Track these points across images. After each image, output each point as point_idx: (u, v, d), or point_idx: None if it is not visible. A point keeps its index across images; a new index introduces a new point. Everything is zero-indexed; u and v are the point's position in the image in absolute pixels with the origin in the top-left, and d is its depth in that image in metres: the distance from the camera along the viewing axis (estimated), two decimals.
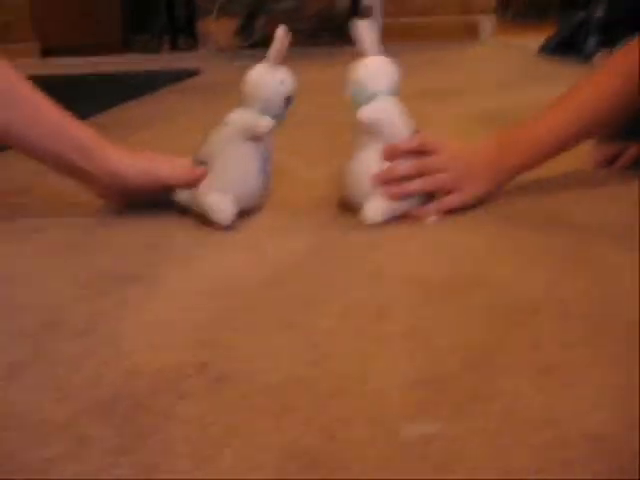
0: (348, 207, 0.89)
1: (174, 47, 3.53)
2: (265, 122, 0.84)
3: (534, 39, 2.84)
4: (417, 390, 0.50)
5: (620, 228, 0.80)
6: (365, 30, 0.86)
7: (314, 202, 0.94)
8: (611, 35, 2.42)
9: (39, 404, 0.51)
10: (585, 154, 1.03)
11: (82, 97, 2.06)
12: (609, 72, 0.93)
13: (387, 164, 0.84)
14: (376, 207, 0.83)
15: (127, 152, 0.88)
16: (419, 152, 0.86)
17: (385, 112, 0.85)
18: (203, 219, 0.85)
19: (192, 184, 0.87)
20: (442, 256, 0.75)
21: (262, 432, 0.46)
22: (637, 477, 0.41)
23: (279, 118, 0.86)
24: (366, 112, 0.84)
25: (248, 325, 0.61)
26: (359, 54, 0.86)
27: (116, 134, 1.50)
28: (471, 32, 3.52)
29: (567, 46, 2.57)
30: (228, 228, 0.84)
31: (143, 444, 0.45)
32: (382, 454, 0.43)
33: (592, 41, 2.47)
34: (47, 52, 3.65)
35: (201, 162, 0.87)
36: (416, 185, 0.84)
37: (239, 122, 0.85)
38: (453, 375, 0.52)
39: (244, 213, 0.87)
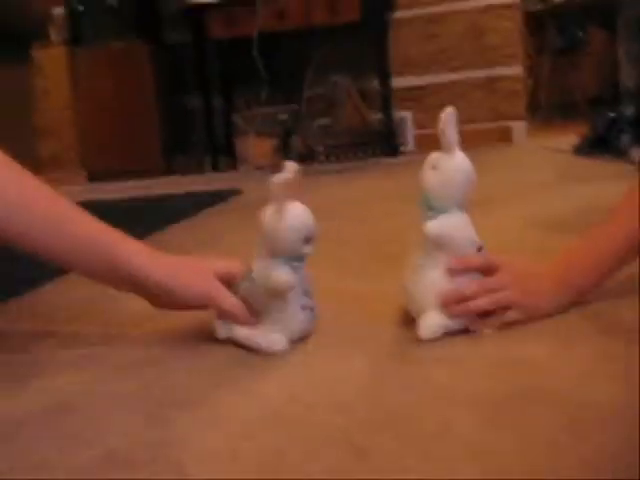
0: (403, 322, 0.88)
1: (215, 167, 3.64)
2: (284, 280, 0.81)
3: (564, 140, 2.89)
4: None
5: None
6: (451, 122, 0.83)
7: (366, 319, 0.94)
8: None
9: None
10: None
11: (127, 221, 2.11)
12: None
13: (451, 280, 0.84)
14: (432, 322, 0.83)
15: (176, 271, 0.88)
16: (484, 269, 0.86)
17: (453, 228, 0.84)
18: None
19: (234, 319, 0.87)
20: (501, 371, 0.73)
21: None
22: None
23: (302, 259, 0.84)
24: (434, 227, 0.83)
25: (309, 452, 0.60)
26: (444, 147, 0.84)
27: None
28: (505, 137, 3.60)
29: (601, 145, 2.60)
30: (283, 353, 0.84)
31: None
32: None
33: (626, 138, 2.50)
34: (93, 178, 3.80)
35: (243, 300, 0.87)
36: (479, 303, 0.84)
37: (262, 279, 0.83)
38: None
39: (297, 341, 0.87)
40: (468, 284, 0.84)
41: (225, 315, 0.88)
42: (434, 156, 0.85)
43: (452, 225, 0.84)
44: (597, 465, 0.53)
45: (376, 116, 3.56)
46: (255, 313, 0.86)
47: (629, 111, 2.56)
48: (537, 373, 0.72)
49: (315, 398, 0.71)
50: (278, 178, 0.80)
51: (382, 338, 0.87)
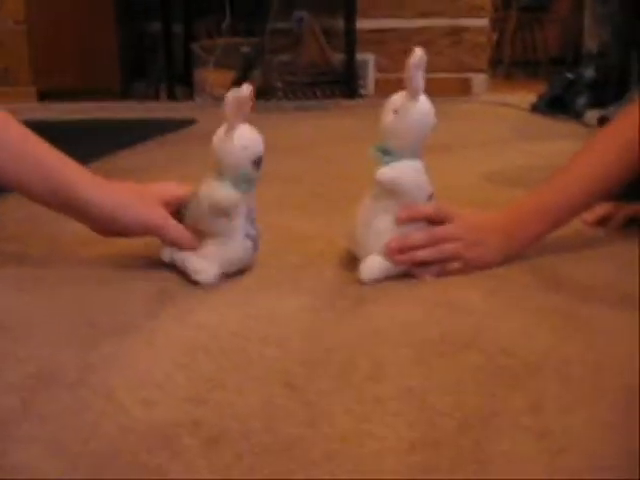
0: (346, 263, 0.89)
1: (172, 96, 3.57)
2: (230, 197, 0.82)
3: (523, 97, 2.91)
4: (413, 453, 0.50)
5: (619, 288, 0.82)
6: (419, 66, 0.81)
7: (309, 258, 0.94)
8: (600, 95, 2.48)
9: (31, 458, 0.50)
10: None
11: (78, 142, 2.08)
12: (609, 140, 0.95)
13: (399, 228, 0.84)
14: (373, 265, 0.83)
15: (120, 199, 0.86)
16: (433, 219, 0.87)
17: (405, 174, 0.84)
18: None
19: (179, 246, 0.87)
20: (439, 315, 0.75)
21: None
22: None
23: (251, 183, 0.83)
24: (387, 173, 0.83)
25: (242, 384, 0.60)
26: (409, 92, 0.82)
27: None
28: (464, 89, 3.59)
29: (558, 104, 2.63)
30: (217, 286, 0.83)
31: None
32: None
33: (582, 100, 2.52)
34: (44, 96, 3.69)
35: (188, 224, 0.87)
36: (424, 254, 0.84)
37: (207, 198, 0.83)
38: (450, 437, 0.51)
39: (236, 274, 0.87)
40: (415, 233, 0.84)
41: (170, 242, 0.87)
42: (396, 100, 0.83)
43: (405, 172, 0.84)
44: (523, 413, 0.55)
45: (338, 56, 3.51)
46: (202, 238, 0.86)
47: (588, 74, 2.58)
48: (472, 320, 0.73)
49: (251, 332, 0.71)
50: (232, 94, 0.79)
51: (323, 277, 0.87)
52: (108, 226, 0.87)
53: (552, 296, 0.80)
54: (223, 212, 0.83)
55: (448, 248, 0.85)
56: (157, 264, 0.89)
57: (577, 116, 2.45)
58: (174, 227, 0.87)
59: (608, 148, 0.94)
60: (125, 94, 3.69)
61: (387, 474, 0.47)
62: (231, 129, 0.81)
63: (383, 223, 0.84)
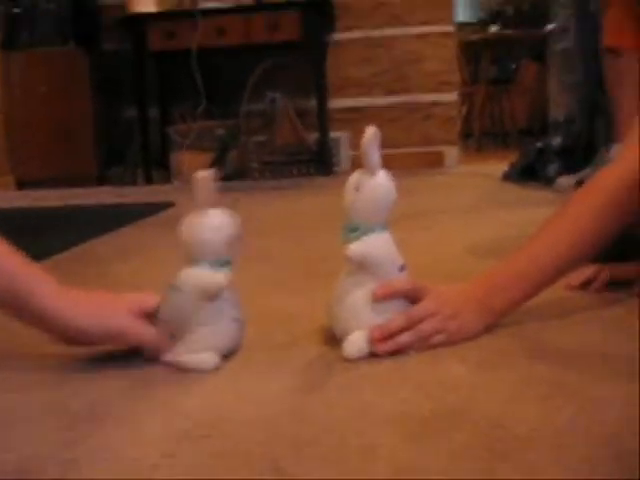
0: (330, 341, 0.89)
1: (149, 180, 3.60)
2: (218, 280, 0.81)
3: (494, 167, 2.97)
4: None
5: (605, 352, 0.82)
6: (373, 142, 0.82)
7: (294, 338, 0.94)
8: (569, 161, 2.55)
9: None
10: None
11: (57, 229, 2.08)
12: (581, 205, 0.96)
13: (374, 306, 0.84)
14: (356, 342, 0.83)
15: (75, 304, 0.84)
16: (409, 296, 0.87)
17: (374, 249, 0.84)
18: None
19: (161, 350, 0.85)
20: (426, 391, 0.74)
21: None
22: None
23: (227, 265, 0.83)
24: (356, 250, 0.83)
25: (232, 471, 0.59)
26: (367, 168, 0.84)
27: (91, 267, 1.51)
28: (437, 162, 3.66)
29: (529, 173, 2.68)
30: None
31: None
32: None
33: (552, 167, 2.58)
34: (22, 184, 3.70)
35: (164, 321, 0.85)
36: (405, 339, 0.84)
37: (191, 285, 0.82)
38: None
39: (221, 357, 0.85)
40: (393, 317, 0.84)
41: (146, 346, 0.85)
42: (356, 177, 0.85)
43: (373, 246, 0.84)
44: None
45: (312, 135, 3.58)
46: (180, 332, 0.84)
47: (555, 142, 2.64)
48: (460, 394, 0.73)
49: (238, 415, 0.70)
50: (199, 175, 0.80)
51: (308, 356, 0.87)
52: (69, 335, 0.84)
53: (538, 365, 0.80)
54: (212, 296, 0.82)
55: (426, 327, 0.85)
56: (139, 356, 0.87)
57: (548, 183, 2.50)
58: (148, 331, 0.85)
59: (581, 213, 0.95)
60: (103, 179, 3.71)
61: None
62: (201, 213, 0.81)
63: (357, 298, 0.85)
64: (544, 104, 3.18)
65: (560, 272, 0.95)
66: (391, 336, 0.84)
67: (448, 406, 0.70)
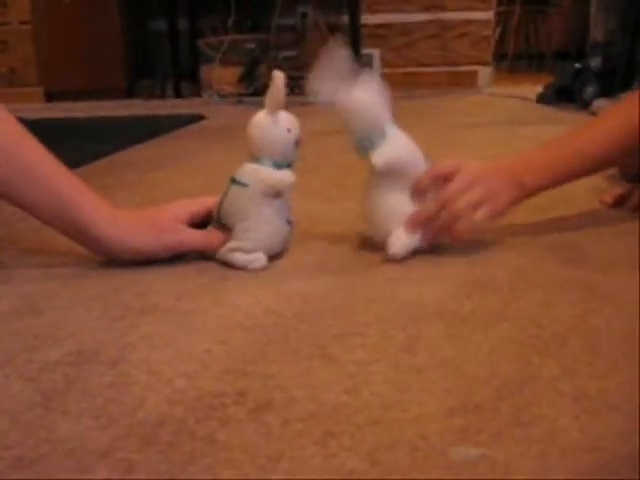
0: (369, 244, 0.90)
1: (178, 93, 3.58)
2: (288, 178, 0.84)
3: (528, 89, 2.92)
4: (456, 417, 0.51)
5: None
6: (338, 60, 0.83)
7: (333, 241, 0.96)
8: (608, 83, 2.49)
9: (79, 431, 0.51)
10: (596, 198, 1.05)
11: (89, 139, 2.09)
12: (634, 104, 0.96)
13: (410, 201, 0.86)
14: (398, 240, 0.85)
15: (130, 229, 0.86)
16: (447, 177, 0.87)
17: (397, 152, 0.85)
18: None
19: (210, 250, 0.87)
20: (466, 292, 0.76)
21: (307, 457, 0.47)
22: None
23: (291, 165, 0.86)
24: (380, 158, 0.84)
25: (283, 356, 0.62)
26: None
27: (128, 174, 1.53)
28: (469, 82, 3.60)
29: (565, 95, 2.63)
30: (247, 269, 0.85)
31: (190, 469, 0.46)
32: (428, 478, 0.44)
33: (590, 89, 2.53)
34: (51, 96, 3.70)
35: (222, 224, 0.87)
36: (442, 222, 0.85)
37: (259, 181, 0.84)
38: (489, 403, 0.53)
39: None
40: (427, 203, 0.85)
41: (198, 250, 0.88)
42: (342, 97, 0.85)
43: (395, 149, 0.85)
44: (558, 378, 0.56)
45: None
46: (236, 229, 0.85)
47: (595, 62, 2.58)
48: (500, 296, 0.74)
49: (285, 309, 0.73)
50: (277, 73, 0.81)
51: (348, 258, 0.89)
52: (124, 257, 0.87)
53: (574, 271, 0.81)
54: (279, 194, 0.84)
55: (460, 206, 0.85)
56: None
57: (584, 105, 2.45)
58: (199, 238, 0.87)
59: (629, 111, 0.94)
60: (131, 92, 3.70)
61: (431, 437, 0.49)
62: (273, 113, 0.83)
63: (394, 201, 0.86)
64: (582, 25, 3.09)
65: (598, 164, 0.95)
66: (427, 220, 0.85)
67: (488, 306, 0.71)
